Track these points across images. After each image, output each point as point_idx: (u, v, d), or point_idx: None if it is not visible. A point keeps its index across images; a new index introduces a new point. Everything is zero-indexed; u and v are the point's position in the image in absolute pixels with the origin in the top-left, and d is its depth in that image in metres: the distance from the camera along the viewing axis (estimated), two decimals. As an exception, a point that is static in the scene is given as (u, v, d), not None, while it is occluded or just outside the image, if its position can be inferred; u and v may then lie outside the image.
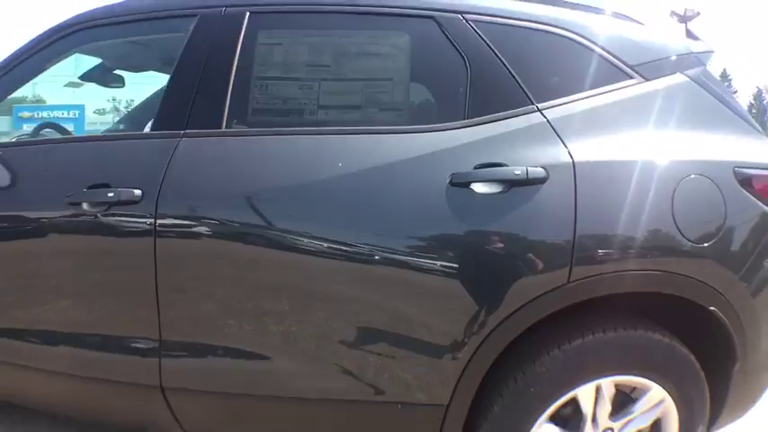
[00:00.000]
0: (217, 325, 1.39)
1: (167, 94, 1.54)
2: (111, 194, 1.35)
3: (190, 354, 1.42)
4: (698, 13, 24.25)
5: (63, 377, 1.51)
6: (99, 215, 1.38)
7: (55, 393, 1.63)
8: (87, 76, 2.35)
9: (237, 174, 1.39)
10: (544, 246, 1.28)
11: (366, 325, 1.35)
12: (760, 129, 1.59)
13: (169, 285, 1.37)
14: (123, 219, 1.39)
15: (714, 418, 1.53)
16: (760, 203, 1.38)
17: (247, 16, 1.48)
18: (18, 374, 1.58)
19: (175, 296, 1.39)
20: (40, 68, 1.77)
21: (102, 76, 2.37)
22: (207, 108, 1.43)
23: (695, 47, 1.57)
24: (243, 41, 1.46)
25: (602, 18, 1.53)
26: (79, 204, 1.40)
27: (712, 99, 1.49)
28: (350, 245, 1.31)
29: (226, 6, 1.52)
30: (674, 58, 1.49)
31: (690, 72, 1.49)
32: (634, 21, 1.58)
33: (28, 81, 1.82)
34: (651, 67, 1.45)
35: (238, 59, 1.45)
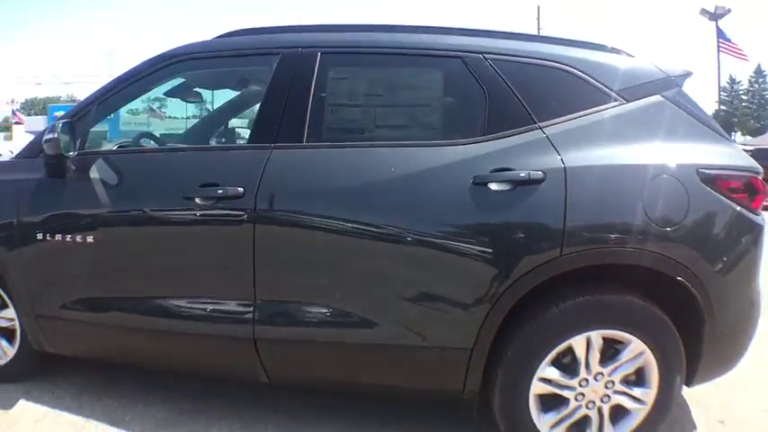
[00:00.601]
0: (300, 290, 1.88)
1: (260, 114, 2.05)
2: (220, 191, 1.87)
3: (277, 312, 1.92)
4: (729, 11, 23.25)
5: (175, 335, 1.99)
6: (210, 207, 1.87)
7: (165, 349, 2.12)
8: (171, 93, 2.88)
9: (315, 176, 1.88)
10: (542, 229, 1.71)
11: (414, 289, 1.81)
12: (728, 137, 1.96)
13: (263, 260, 1.88)
14: (229, 210, 1.90)
15: (693, 373, 1.89)
16: (719, 196, 1.76)
17: (319, 55, 1.98)
18: (132, 336, 2.05)
19: (268, 268, 1.89)
20: (146, 90, 2.32)
21: (185, 93, 2.92)
22: (291, 126, 1.93)
23: (673, 72, 1.96)
24: (317, 75, 1.96)
25: (594, 52, 1.95)
26: (192, 199, 1.90)
27: (684, 114, 1.87)
28: (398, 228, 1.78)
29: (302, 47, 2.03)
30: (652, 82, 1.89)
31: (666, 93, 1.88)
32: (624, 53, 1.99)
33: (134, 99, 2.36)
34: (631, 91, 1.86)
35: (314, 89, 1.94)
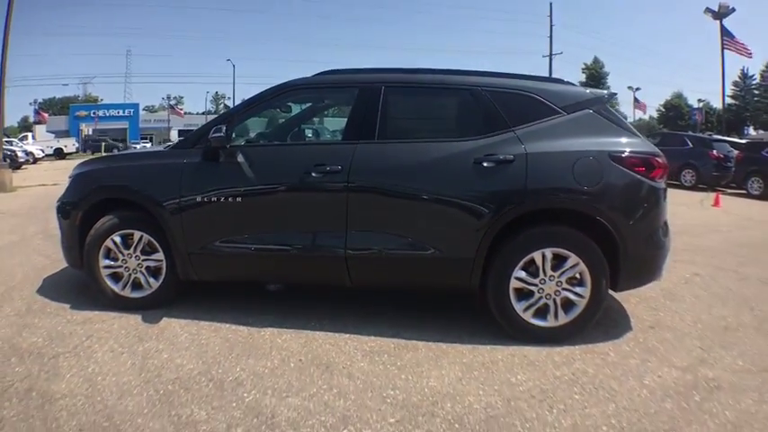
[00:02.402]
0: (373, 224, 3.08)
1: (349, 123, 3.29)
2: (328, 168, 3.11)
3: (359, 239, 3.10)
4: (733, 10, 24.13)
5: (292, 257, 3.17)
6: (321, 178, 3.13)
7: (283, 267, 3.27)
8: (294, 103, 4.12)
9: (382, 159, 3.11)
10: (513, 187, 2.94)
11: (440, 223, 3.01)
12: (635, 132, 3.15)
13: (353, 206, 3.07)
14: (333, 180, 3.09)
15: (616, 281, 3.06)
16: (623, 169, 2.96)
17: (383, 88, 3.27)
18: (260, 260, 3.19)
19: (356, 211, 3.07)
20: (271, 106, 3.65)
21: (282, 105, 4.04)
22: (368, 130, 3.17)
23: (600, 94, 3.20)
24: (382, 99, 3.22)
25: (549, 84, 3.22)
26: (310, 173, 3.14)
27: (605, 121, 3.10)
28: (430, 189, 3.01)
29: (373, 82, 3.29)
30: (584, 101, 3.13)
31: (593, 108, 3.11)
32: (569, 83, 3.24)
33: (263, 111, 3.67)
34: (570, 107, 3.10)
35: (381, 107, 3.19)
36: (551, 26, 35.49)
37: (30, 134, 38.88)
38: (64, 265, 3.80)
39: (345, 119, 3.40)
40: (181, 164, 3.28)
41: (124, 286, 3.32)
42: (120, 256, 3.29)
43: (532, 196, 2.95)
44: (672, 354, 2.89)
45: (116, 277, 3.32)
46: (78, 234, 3.33)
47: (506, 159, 2.97)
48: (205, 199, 3.18)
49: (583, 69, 50.06)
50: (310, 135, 4.27)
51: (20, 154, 19.89)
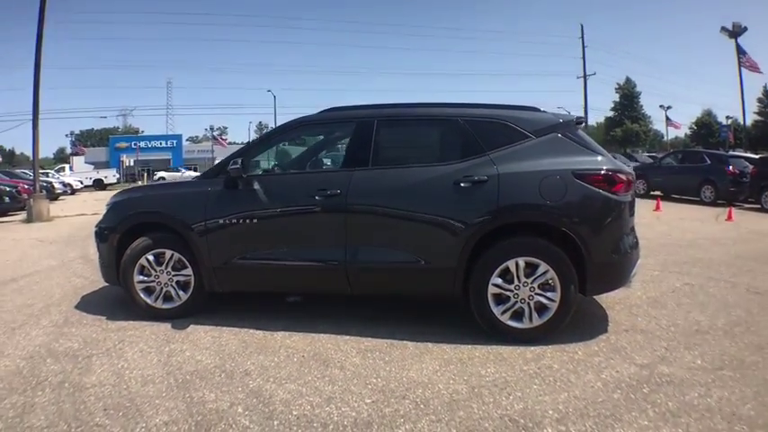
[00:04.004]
0: (368, 239, 3.53)
1: (347, 152, 3.80)
2: (329, 192, 3.60)
3: (358, 250, 3.54)
4: (745, 29, 25.73)
5: (300, 269, 3.64)
6: (323, 200, 3.63)
7: (292, 279, 3.73)
8: (299, 141, 4.77)
9: (375, 184, 3.58)
10: (487, 204, 3.34)
11: (425, 237, 3.43)
12: (601, 152, 3.51)
13: (351, 224, 3.53)
14: (333, 202, 3.58)
15: (585, 287, 3.38)
16: (586, 185, 3.32)
17: (376, 121, 3.76)
18: (273, 273, 3.68)
19: (353, 229, 3.53)
20: (284, 139, 4.23)
21: (296, 139, 4.76)
22: (363, 158, 3.66)
23: (568, 118, 3.58)
24: (375, 131, 3.71)
25: (521, 111, 3.64)
26: (314, 197, 3.64)
27: (571, 143, 3.48)
28: (416, 207, 3.44)
29: (368, 117, 3.80)
30: (552, 126, 3.53)
31: (560, 131, 3.51)
32: (540, 111, 3.65)
33: (271, 148, 4.24)
34: (539, 132, 3.50)
35: (374, 138, 3.69)
36: (584, 47, 35.97)
37: (66, 166, 39.46)
38: (101, 285, 4.40)
39: (345, 149, 3.91)
40: (206, 191, 3.84)
41: (156, 299, 3.86)
42: (152, 272, 3.84)
43: (504, 211, 3.34)
44: (636, 353, 3.17)
45: (149, 291, 3.87)
46: (115, 254, 3.91)
47: (481, 180, 3.38)
48: (226, 221, 3.71)
49: (616, 89, 50.27)
50: (328, 163, 4.78)
51: (57, 185, 20.99)
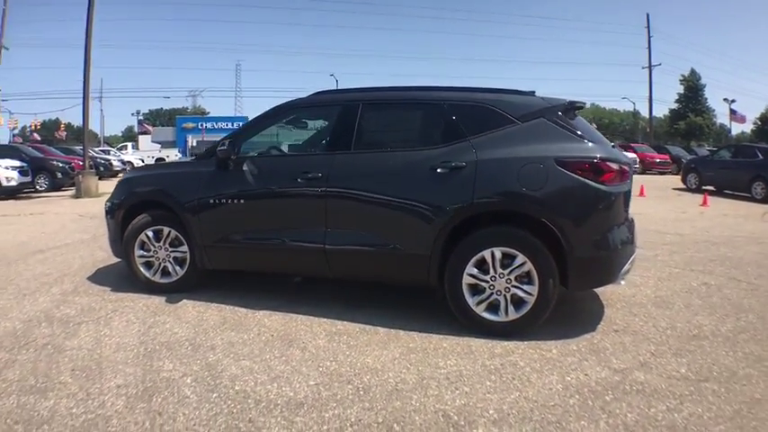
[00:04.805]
0: (347, 223, 3.51)
1: (331, 135, 3.81)
2: (310, 175, 3.63)
3: (337, 234, 3.53)
4: None
5: (283, 250, 3.68)
6: (307, 182, 3.65)
7: (276, 259, 3.79)
8: (291, 122, 4.81)
9: (356, 167, 3.55)
10: (463, 190, 3.20)
11: (401, 222, 3.35)
12: (592, 138, 3.24)
13: (330, 207, 3.53)
14: (315, 185, 3.60)
15: (566, 281, 3.18)
16: (569, 173, 3.09)
17: (361, 105, 3.71)
18: (258, 253, 3.77)
19: (333, 212, 3.53)
20: (276, 121, 4.24)
21: (298, 122, 4.78)
22: (346, 142, 3.64)
23: (555, 102, 3.34)
24: (360, 114, 3.67)
25: (506, 95, 3.43)
26: (297, 179, 3.64)
27: (557, 128, 3.24)
28: (394, 192, 3.37)
29: (353, 100, 3.75)
30: (538, 110, 3.30)
31: (546, 116, 3.27)
32: (527, 94, 3.43)
33: (263, 130, 4.23)
34: (524, 116, 3.29)
35: (357, 122, 3.65)
36: (649, 37, 35.27)
37: (130, 144, 40.98)
38: (119, 259, 4.70)
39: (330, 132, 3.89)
40: (200, 172, 3.99)
41: (155, 273, 4.08)
42: (152, 247, 4.07)
43: (479, 199, 3.19)
44: (617, 356, 2.94)
45: (148, 265, 4.10)
46: (121, 229, 4.17)
47: (458, 166, 3.25)
48: (215, 201, 3.84)
49: (680, 81, 48.57)
50: (316, 146, 4.77)
51: (115, 163, 22.29)
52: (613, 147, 3.57)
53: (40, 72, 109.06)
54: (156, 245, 4.06)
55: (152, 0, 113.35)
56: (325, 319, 3.52)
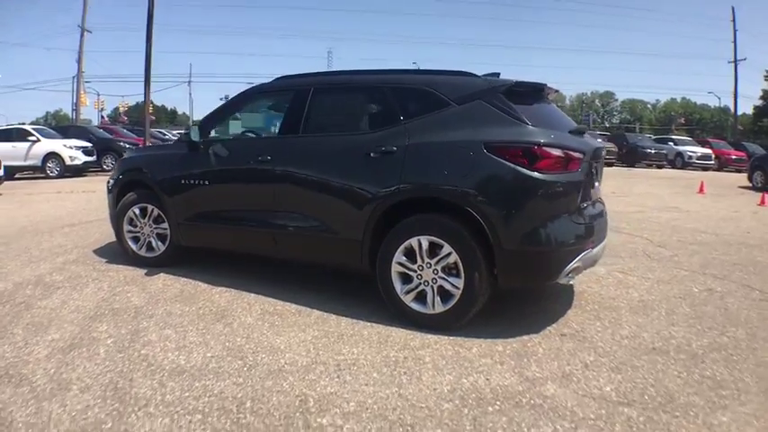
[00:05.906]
0: (291, 203, 3.55)
1: (285, 120, 3.83)
2: (260, 158, 3.70)
3: (282, 216, 3.59)
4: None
5: (243, 229, 3.81)
6: (259, 165, 3.77)
7: (236, 238, 3.93)
8: (255, 107, 4.83)
9: (303, 150, 3.58)
10: (391, 176, 3.10)
11: (337, 206, 3.33)
12: (524, 122, 2.94)
13: (277, 190, 3.62)
14: (265, 165, 3.67)
15: (495, 275, 2.96)
16: (499, 159, 2.86)
17: (312, 89, 3.71)
18: (220, 232, 3.94)
19: (279, 194, 3.60)
20: (238, 110, 4.37)
21: (262, 107, 4.80)
22: (295, 126, 3.67)
23: (497, 83, 3.08)
24: (310, 99, 3.66)
25: (446, 77, 3.25)
26: (250, 162, 3.71)
27: (494, 110, 3.00)
28: (333, 175, 3.34)
29: (305, 86, 3.74)
30: (477, 92, 3.07)
31: (485, 98, 3.04)
32: (470, 75, 3.20)
33: (231, 117, 4.37)
34: (461, 98, 3.08)
35: (308, 106, 3.65)
36: (735, 31, 33.73)
37: None
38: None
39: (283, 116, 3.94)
40: (176, 154, 4.27)
41: (141, 247, 4.45)
42: (138, 223, 4.43)
43: (406, 185, 3.06)
44: (540, 363, 2.65)
45: (136, 240, 4.47)
46: (116, 206, 4.59)
47: (389, 151, 3.15)
48: (185, 182, 4.09)
49: (765, 76, 44.12)
50: (273, 130, 4.82)
51: None
52: (583, 133, 3.23)
53: (129, 55, 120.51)
54: (142, 221, 4.41)
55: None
56: (271, 299, 3.61)
